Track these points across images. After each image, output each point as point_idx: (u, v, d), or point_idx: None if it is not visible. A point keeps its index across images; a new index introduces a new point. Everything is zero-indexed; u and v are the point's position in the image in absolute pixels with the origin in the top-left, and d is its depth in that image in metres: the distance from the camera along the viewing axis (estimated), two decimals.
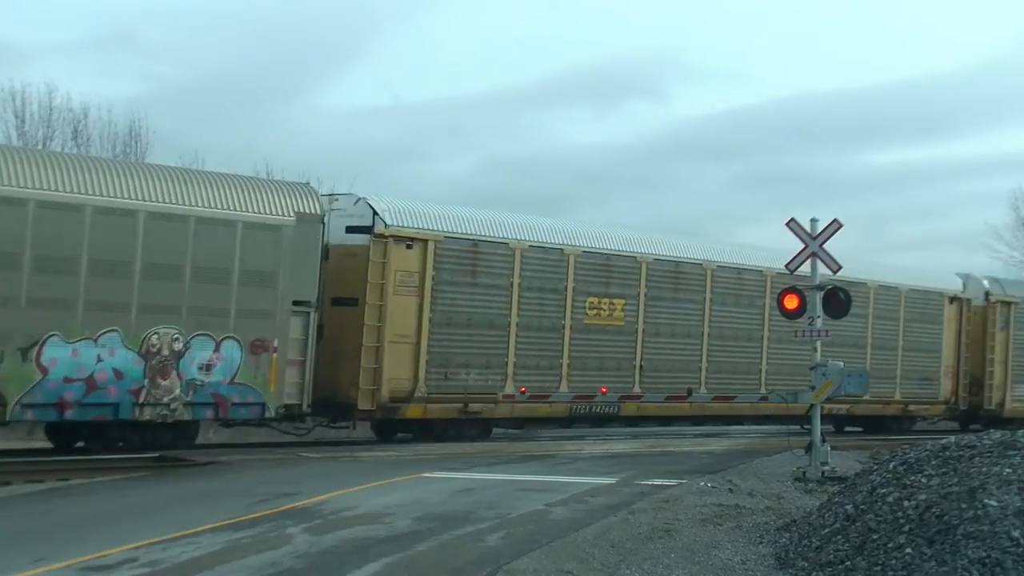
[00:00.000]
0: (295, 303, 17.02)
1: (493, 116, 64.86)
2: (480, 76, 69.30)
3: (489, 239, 19.66)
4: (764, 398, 23.66)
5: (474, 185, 54.92)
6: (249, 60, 54.33)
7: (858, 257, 26.03)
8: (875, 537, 8.58)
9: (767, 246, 24.92)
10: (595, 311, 21.10)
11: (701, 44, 71.83)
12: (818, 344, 16.07)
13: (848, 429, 26.88)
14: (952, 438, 10.58)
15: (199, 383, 16.06)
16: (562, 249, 20.68)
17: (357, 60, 63.49)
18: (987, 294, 29.13)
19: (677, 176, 68.58)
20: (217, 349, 16.21)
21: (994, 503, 8.16)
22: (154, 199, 15.73)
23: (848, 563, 8.43)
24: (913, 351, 27.06)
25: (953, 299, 28.16)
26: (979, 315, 28.88)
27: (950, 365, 28.12)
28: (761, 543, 10.01)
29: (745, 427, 25.65)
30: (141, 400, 15.54)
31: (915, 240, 65.26)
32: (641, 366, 21.70)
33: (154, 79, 49.66)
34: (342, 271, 18.23)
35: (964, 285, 28.75)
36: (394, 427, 19.48)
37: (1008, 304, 29.43)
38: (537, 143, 64.47)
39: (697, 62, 73.22)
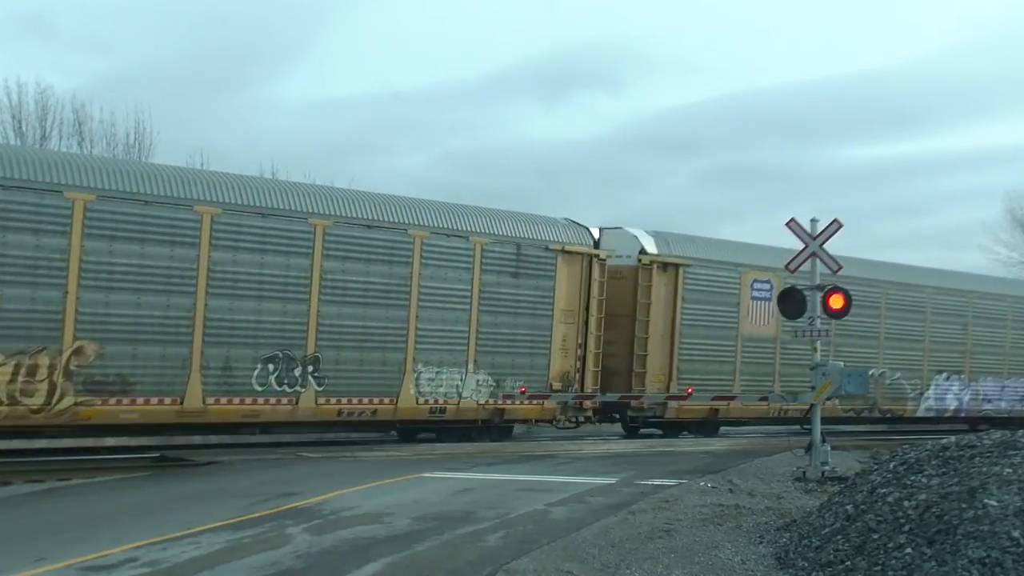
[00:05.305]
0: None
1: (445, 111, 63.19)
2: (429, 71, 68.19)
3: None
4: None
5: (431, 180, 53.93)
6: (183, 53, 52.47)
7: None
8: (875, 537, 8.58)
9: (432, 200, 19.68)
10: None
11: (650, 34, 69.76)
12: (818, 344, 16.08)
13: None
14: (952, 438, 10.59)
15: None
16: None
17: (302, 55, 61.53)
18: (641, 252, 21.60)
19: (642, 171, 67.53)
20: None
21: (994, 503, 8.16)
22: None
23: (848, 563, 8.42)
24: (497, 326, 19.53)
25: (575, 256, 20.48)
26: (629, 280, 21.43)
27: (565, 348, 20.39)
28: (761, 543, 10.01)
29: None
30: None
31: (898, 238, 64.87)
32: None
33: (75, 71, 48.03)
34: None
35: (597, 238, 21.26)
36: None
37: (674, 266, 21.69)
38: (493, 137, 62.97)
39: (648, 52, 71.09)
